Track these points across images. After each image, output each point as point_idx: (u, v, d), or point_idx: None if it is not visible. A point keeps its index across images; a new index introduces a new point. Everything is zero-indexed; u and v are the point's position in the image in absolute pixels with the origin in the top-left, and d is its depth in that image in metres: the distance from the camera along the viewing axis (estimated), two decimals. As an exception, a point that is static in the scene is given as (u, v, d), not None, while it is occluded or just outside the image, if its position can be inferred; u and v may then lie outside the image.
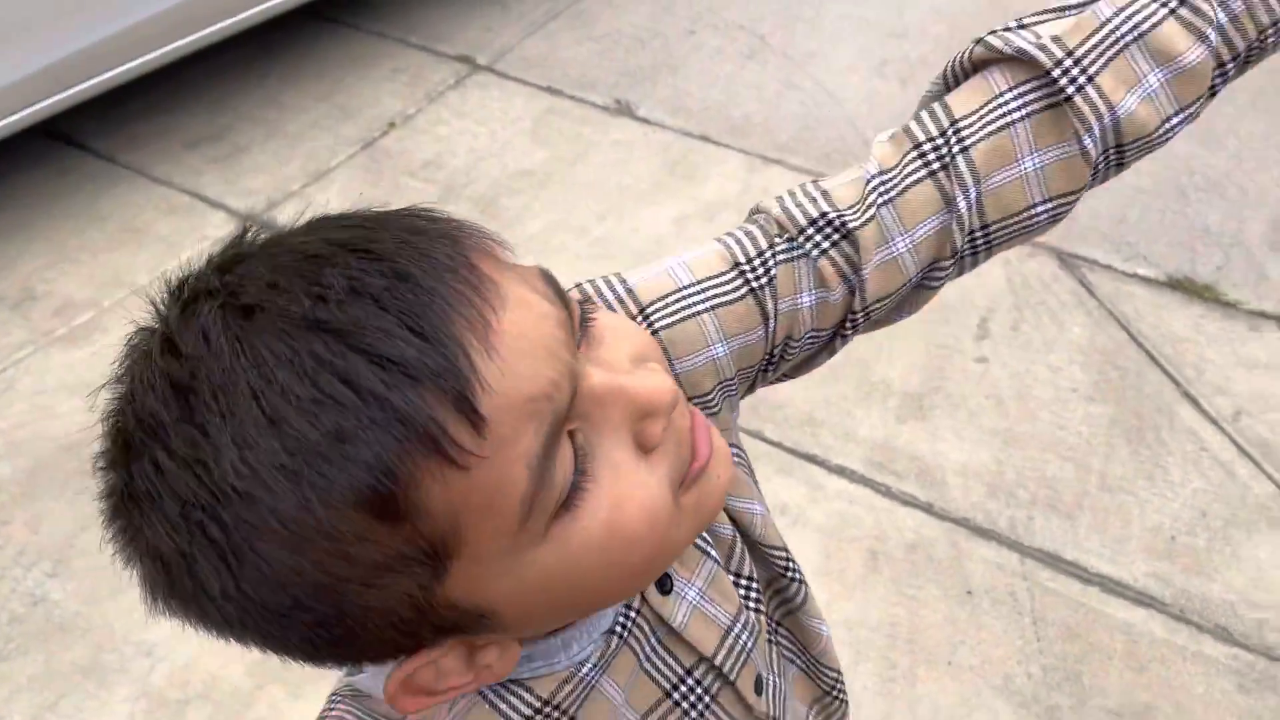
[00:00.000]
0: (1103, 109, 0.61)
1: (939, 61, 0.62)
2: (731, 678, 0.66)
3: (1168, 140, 0.65)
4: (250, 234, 0.46)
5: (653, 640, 0.63)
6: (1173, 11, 0.62)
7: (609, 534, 0.46)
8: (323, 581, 0.42)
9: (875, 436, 2.19)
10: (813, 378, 2.53)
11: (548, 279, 0.48)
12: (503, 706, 0.57)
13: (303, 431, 0.39)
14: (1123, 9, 0.62)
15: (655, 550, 0.49)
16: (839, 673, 0.80)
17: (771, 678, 0.72)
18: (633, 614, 0.61)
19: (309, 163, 3.02)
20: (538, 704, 0.58)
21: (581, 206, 2.83)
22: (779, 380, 0.71)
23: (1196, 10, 0.62)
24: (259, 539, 0.40)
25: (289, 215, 2.81)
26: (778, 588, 0.75)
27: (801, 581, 0.75)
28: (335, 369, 0.39)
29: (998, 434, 2.18)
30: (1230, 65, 0.65)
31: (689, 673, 0.65)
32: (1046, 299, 2.49)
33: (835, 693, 0.80)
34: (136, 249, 2.77)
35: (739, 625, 0.67)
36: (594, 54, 3.39)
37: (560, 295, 0.47)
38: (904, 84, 3.15)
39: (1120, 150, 0.64)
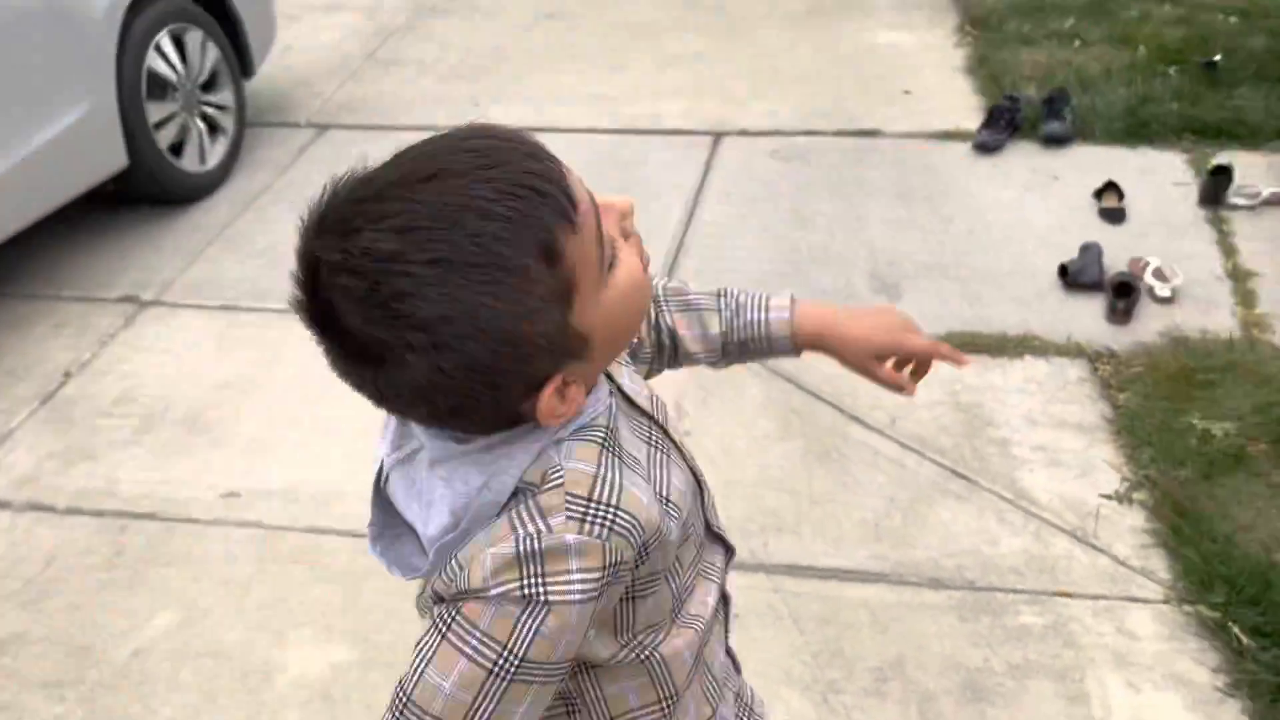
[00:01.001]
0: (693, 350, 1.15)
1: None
2: (668, 430, 0.96)
3: (728, 366, 1.19)
4: (368, 162, 0.77)
5: (629, 412, 0.92)
6: (718, 312, 1.14)
7: (630, 282, 0.81)
8: (515, 310, 0.71)
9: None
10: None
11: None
12: (587, 435, 0.85)
13: (508, 214, 0.70)
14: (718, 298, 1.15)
15: (643, 301, 0.84)
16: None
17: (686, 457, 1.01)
18: (612, 392, 0.90)
19: (-14, 430, 2.91)
20: (604, 432, 0.86)
21: (295, 399, 2.93)
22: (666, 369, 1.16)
23: (729, 316, 1.14)
24: (492, 282, 0.70)
25: (-23, 486, 2.69)
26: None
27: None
28: (515, 182, 0.71)
29: (719, 485, 2.48)
30: (729, 352, 1.16)
31: (651, 431, 0.93)
32: (721, 373, 2.89)
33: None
34: None
35: (655, 397, 0.98)
36: (260, 268, 3.53)
37: None
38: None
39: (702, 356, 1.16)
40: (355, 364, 0.76)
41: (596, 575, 0.78)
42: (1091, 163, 3.75)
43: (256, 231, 3.73)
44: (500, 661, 0.77)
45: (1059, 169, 3.77)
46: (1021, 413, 2.70)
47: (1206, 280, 3.15)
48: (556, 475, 0.80)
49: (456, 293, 0.70)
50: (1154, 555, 2.28)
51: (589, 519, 0.78)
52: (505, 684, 0.78)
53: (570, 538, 0.77)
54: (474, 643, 0.77)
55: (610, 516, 0.79)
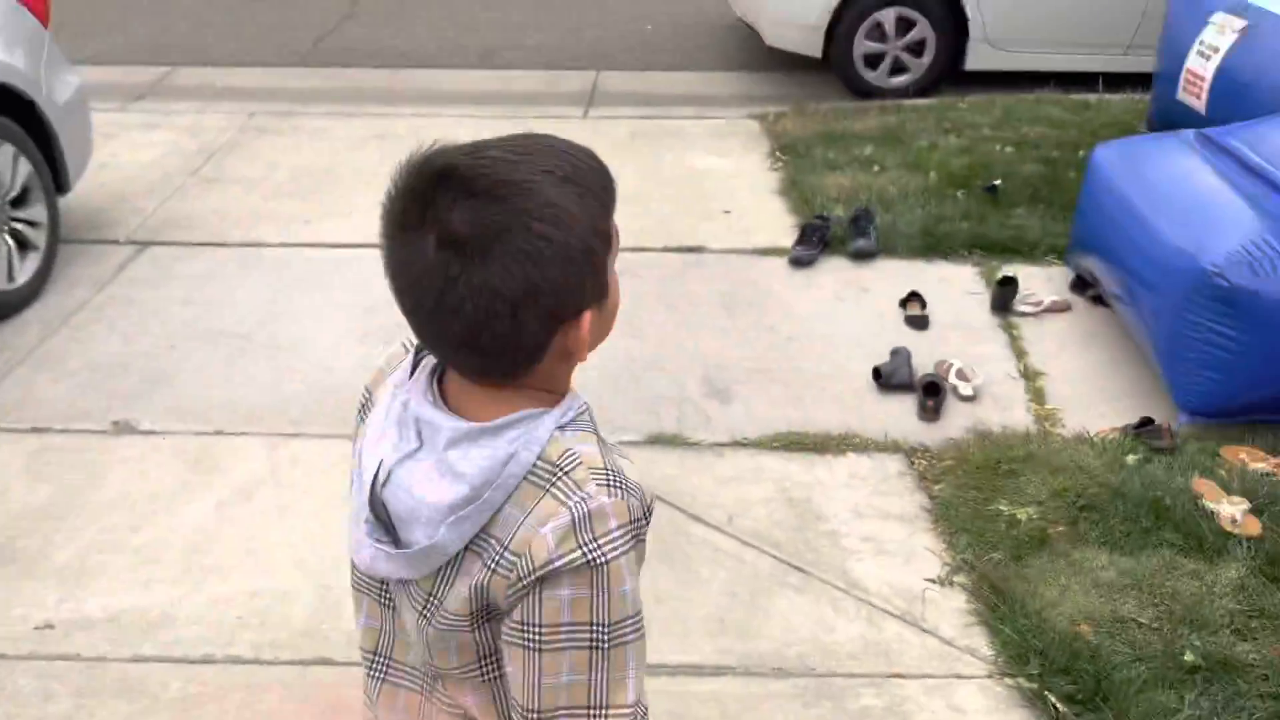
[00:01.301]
0: None
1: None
2: None
3: None
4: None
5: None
6: None
7: (616, 284, 0.99)
8: (592, 225, 0.92)
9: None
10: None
11: None
12: (581, 427, 0.99)
13: (590, 163, 0.94)
14: None
15: (618, 307, 1.01)
16: None
17: None
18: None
19: None
20: (592, 426, 1.00)
21: (112, 524, 2.78)
22: None
23: None
24: (584, 197, 0.92)
25: None
26: None
27: None
28: (590, 152, 0.95)
29: (565, 590, 2.52)
30: None
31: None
32: (564, 479, 2.94)
33: None
34: None
35: None
36: (75, 388, 3.37)
37: None
38: (388, 344, 3.55)
39: None
40: (459, 255, 0.88)
41: (627, 528, 0.94)
42: (895, 275, 4.07)
43: (72, 351, 3.57)
44: (596, 636, 0.92)
45: (867, 281, 4.07)
46: (848, 506, 2.86)
47: (1003, 380, 3.45)
48: (573, 455, 0.96)
49: (562, 194, 0.90)
50: (976, 633, 2.44)
51: (610, 484, 0.95)
52: (606, 652, 0.93)
53: (605, 499, 0.93)
54: (565, 634, 0.92)
55: (622, 480, 0.96)
